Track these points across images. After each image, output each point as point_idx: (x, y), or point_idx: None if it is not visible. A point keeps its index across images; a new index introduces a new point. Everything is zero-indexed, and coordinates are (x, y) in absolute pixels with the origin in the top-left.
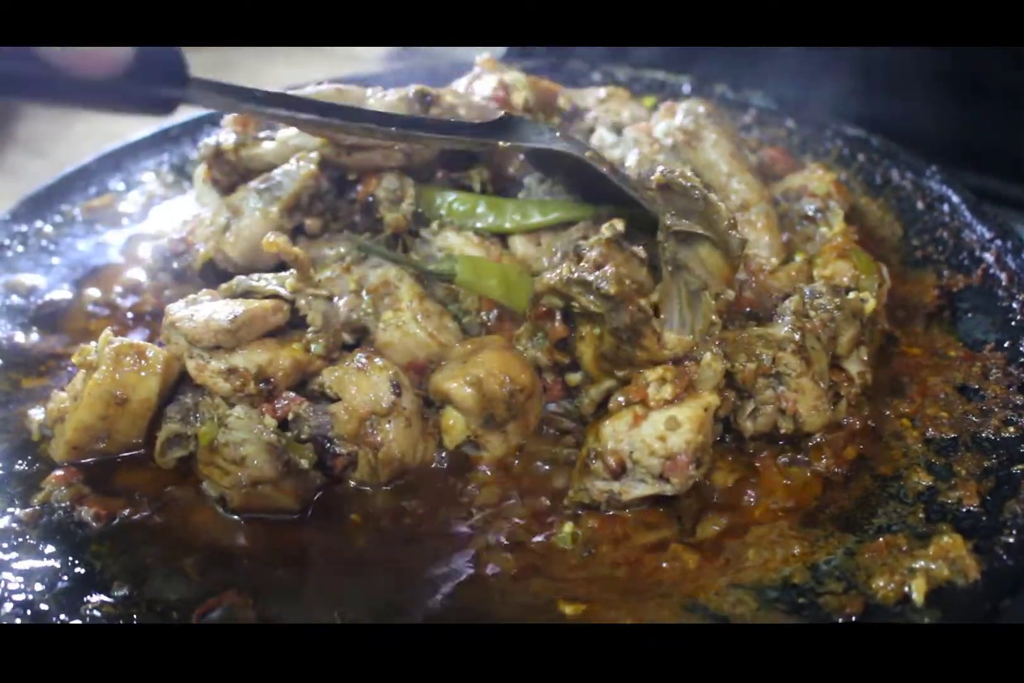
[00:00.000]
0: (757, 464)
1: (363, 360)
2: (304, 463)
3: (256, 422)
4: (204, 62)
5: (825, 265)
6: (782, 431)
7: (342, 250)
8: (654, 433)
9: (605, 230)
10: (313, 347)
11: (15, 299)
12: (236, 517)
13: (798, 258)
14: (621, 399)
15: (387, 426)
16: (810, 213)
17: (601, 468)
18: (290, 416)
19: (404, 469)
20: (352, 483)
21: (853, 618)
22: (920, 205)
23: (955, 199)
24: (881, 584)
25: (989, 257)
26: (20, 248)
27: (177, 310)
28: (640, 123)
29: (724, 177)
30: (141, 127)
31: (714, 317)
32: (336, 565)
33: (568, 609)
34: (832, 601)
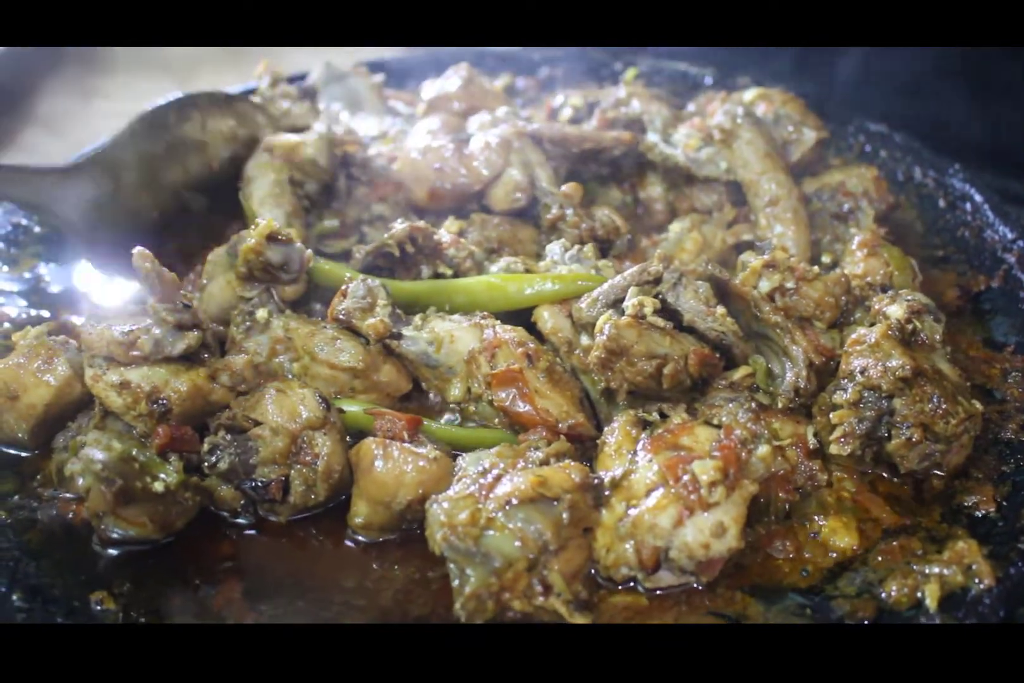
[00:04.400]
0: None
1: (278, 383)
2: (157, 486)
3: (101, 448)
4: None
5: (855, 263)
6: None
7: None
8: (701, 539)
9: (630, 308)
10: (221, 377)
11: (26, 275)
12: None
13: (825, 258)
14: (663, 491)
15: (322, 439)
16: (842, 212)
17: (633, 559)
18: (206, 446)
19: (341, 486)
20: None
21: (865, 622)
22: (942, 203)
23: (978, 198)
24: (894, 589)
25: (1011, 258)
26: (37, 229)
27: (93, 315)
28: (694, 119)
29: (756, 174)
30: None
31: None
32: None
33: None
34: (844, 604)
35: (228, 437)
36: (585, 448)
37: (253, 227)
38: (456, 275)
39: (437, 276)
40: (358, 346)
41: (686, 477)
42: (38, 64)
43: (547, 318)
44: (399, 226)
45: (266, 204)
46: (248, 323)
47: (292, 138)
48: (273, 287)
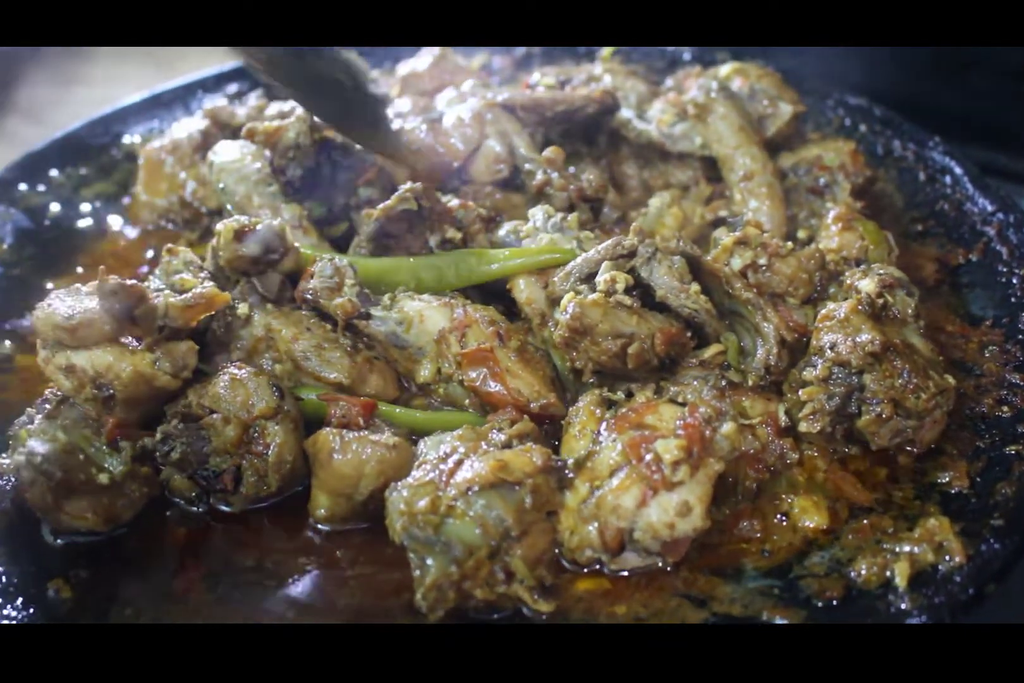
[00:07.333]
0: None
1: (233, 370)
2: (102, 479)
3: (46, 438)
4: None
5: (831, 238)
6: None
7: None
8: (665, 519)
9: (602, 284)
10: (158, 364)
11: None
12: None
13: (801, 234)
14: (627, 471)
15: (274, 428)
16: (818, 186)
17: (597, 541)
18: (158, 435)
19: (294, 477)
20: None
21: (834, 602)
22: (922, 177)
23: (957, 171)
24: (863, 567)
25: (990, 231)
26: (12, 210)
27: (52, 297)
28: (669, 94)
29: (730, 149)
30: (136, 92)
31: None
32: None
33: None
34: (812, 584)
35: (180, 426)
36: (556, 428)
37: (217, 237)
38: (464, 239)
39: (445, 242)
40: (344, 358)
41: (649, 456)
42: (17, 51)
43: (523, 288)
44: (407, 185)
45: (258, 189)
46: (229, 318)
47: (273, 123)
48: (256, 278)
